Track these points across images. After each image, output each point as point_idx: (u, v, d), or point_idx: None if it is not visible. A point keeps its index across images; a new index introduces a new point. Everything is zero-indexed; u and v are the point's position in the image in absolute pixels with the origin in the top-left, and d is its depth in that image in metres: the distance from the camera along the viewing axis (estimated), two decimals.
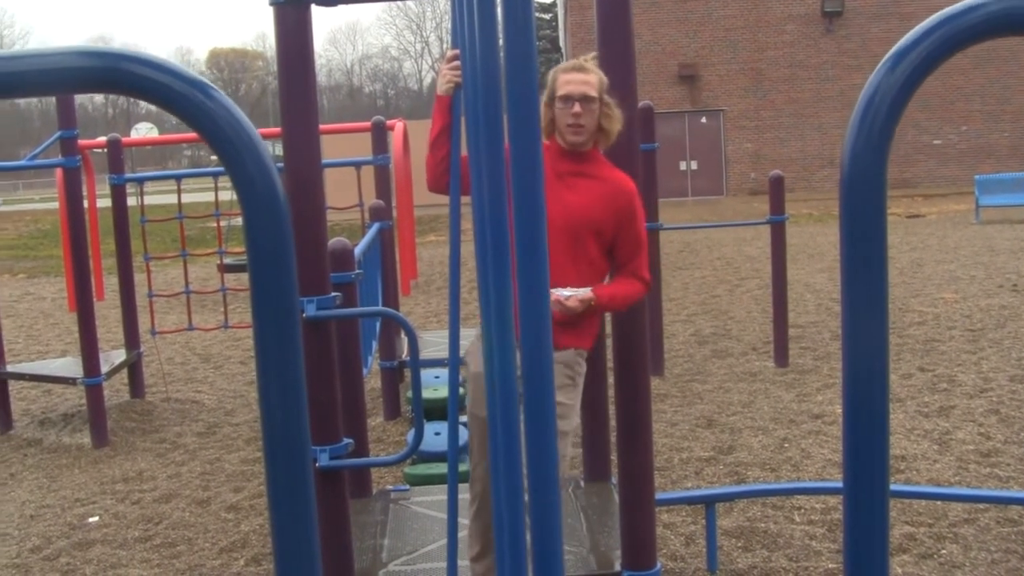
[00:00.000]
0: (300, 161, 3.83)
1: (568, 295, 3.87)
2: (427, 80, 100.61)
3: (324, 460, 3.88)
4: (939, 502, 5.74)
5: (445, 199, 3.50)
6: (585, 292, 3.91)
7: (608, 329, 4.40)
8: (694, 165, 36.16)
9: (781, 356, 9.45)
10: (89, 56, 1.16)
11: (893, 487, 5.24)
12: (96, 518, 6.47)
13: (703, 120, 36.15)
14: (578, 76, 4.02)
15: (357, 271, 5.37)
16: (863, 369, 1.35)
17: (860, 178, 1.21)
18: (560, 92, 4.03)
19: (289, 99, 3.79)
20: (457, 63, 3.65)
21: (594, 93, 3.98)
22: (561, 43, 45.04)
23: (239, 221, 13.10)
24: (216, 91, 1.18)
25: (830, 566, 5.06)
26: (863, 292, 1.23)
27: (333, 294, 3.91)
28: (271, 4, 3.71)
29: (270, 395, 1.28)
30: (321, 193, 3.96)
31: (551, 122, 4.12)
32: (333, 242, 4.88)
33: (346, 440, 3.98)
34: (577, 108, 3.99)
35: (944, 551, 5.18)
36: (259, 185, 1.17)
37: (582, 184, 4.05)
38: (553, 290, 3.74)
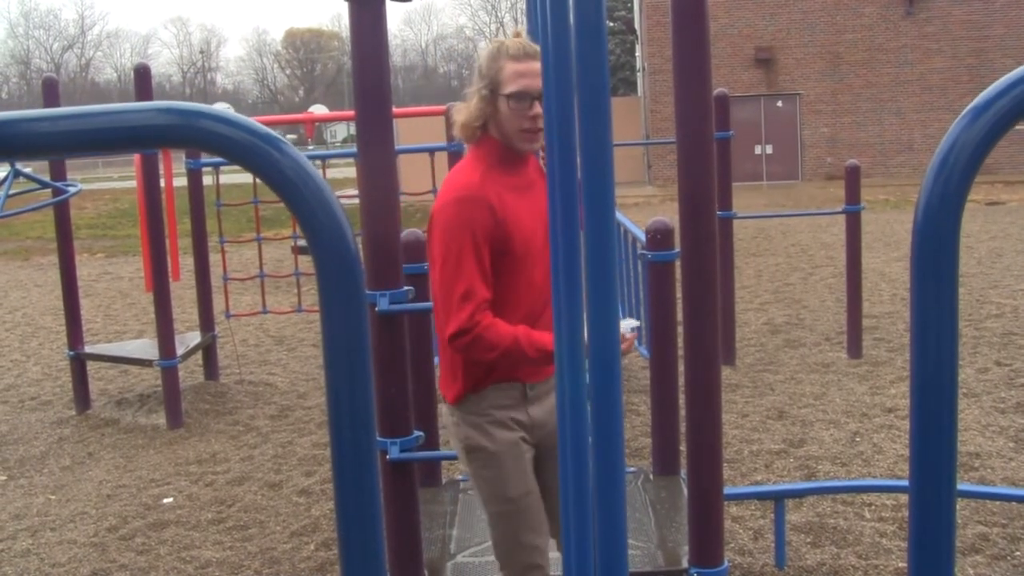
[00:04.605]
0: (373, 157, 3.86)
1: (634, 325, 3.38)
2: None
3: (395, 453, 3.91)
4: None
5: None
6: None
7: (679, 317, 4.35)
8: (769, 149, 35.82)
9: (854, 347, 9.35)
10: (168, 113, 1.18)
11: (965, 487, 5.17)
12: (170, 499, 6.59)
13: (779, 104, 35.78)
14: (532, 66, 3.29)
15: None
16: (932, 390, 1.33)
17: (933, 233, 1.20)
18: (512, 88, 3.28)
19: (363, 95, 3.82)
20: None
21: None
22: (636, 25, 44.80)
23: None
24: (287, 145, 1.20)
25: (900, 565, 5.01)
26: (934, 341, 1.22)
27: (405, 288, 3.93)
28: (346, 0, 3.74)
29: (339, 398, 1.30)
30: (394, 186, 3.99)
31: (489, 119, 3.37)
32: (406, 234, 4.91)
33: (416, 433, 4.01)
34: (538, 109, 3.26)
35: (1018, 552, 5.10)
36: (331, 238, 1.18)
37: (539, 185, 3.48)
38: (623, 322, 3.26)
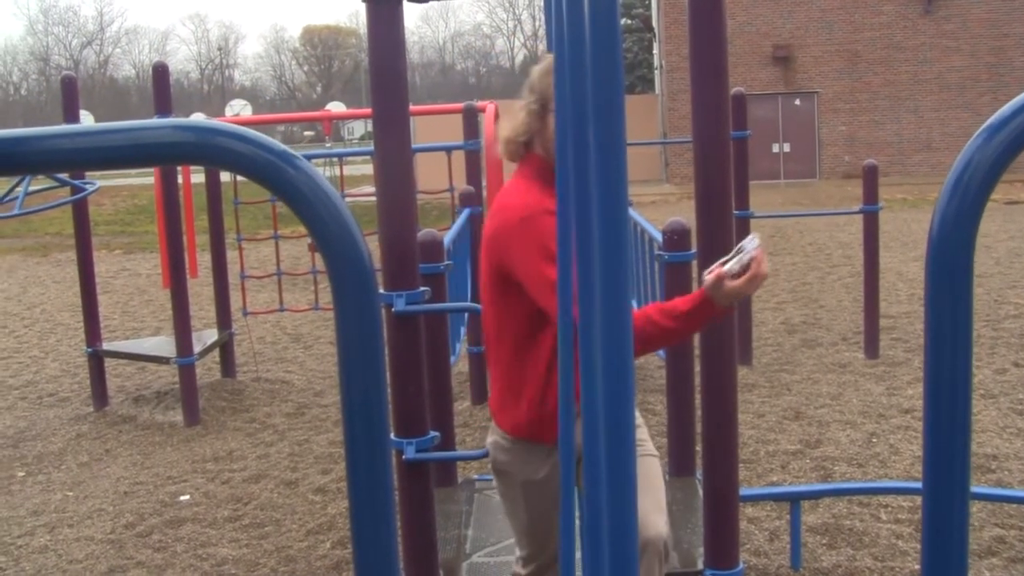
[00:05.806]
0: (390, 155, 3.85)
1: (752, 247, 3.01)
2: (519, 58, 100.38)
3: (410, 453, 3.91)
4: None
5: None
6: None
7: None
8: (787, 147, 35.69)
9: (872, 347, 9.32)
10: (183, 131, 1.19)
11: (981, 490, 5.16)
12: (187, 496, 6.61)
13: (797, 102, 35.66)
14: None
15: (446, 262, 5.38)
16: (946, 400, 1.33)
17: (948, 249, 1.19)
18: None
19: (380, 93, 3.82)
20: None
21: None
22: (654, 23, 44.72)
23: None
24: (301, 161, 1.21)
25: (916, 567, 4.99)
26: (948, 353, 1.22)
27: (422, 289, 3.92)
28: (363, 0, 3.74)
29: (353, 407, 1.30)
30: (411, 185, 3.98)
31: (536, 135, 3.25)
32: (422, 234, 4.91)
33: (432, 433, 4.00)
34: None
35: None
36: (346, 252, 1.19)
37: None
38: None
